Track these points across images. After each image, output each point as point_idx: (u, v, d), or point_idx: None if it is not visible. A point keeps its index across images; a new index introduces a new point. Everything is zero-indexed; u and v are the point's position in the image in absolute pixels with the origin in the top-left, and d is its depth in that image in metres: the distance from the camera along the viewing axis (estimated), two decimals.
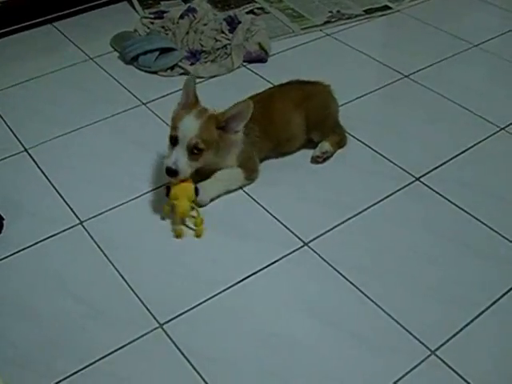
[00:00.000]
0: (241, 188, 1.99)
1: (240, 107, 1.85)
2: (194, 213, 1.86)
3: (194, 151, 1.82)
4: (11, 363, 1.51)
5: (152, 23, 2.82)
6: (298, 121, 2.07)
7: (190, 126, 1.82)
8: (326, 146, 2.07)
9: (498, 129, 2.24)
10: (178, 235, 1.84)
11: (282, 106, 2.06)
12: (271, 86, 2.32)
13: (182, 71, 2.54)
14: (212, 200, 1.93)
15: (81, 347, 1.55)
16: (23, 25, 2.85)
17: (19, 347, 1.55)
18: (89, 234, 1.84)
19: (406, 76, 2.53)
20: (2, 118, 2.32)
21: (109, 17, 2.97)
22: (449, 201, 1.94)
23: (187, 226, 1.86)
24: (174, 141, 1.84)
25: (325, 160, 2.08)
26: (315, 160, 2.08)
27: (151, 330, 1.58)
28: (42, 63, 2.63)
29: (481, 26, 2.90)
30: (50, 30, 2.87)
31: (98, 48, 2.73)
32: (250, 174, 1.99)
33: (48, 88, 2.48)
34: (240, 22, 2.71)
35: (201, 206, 1.90)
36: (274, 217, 1.89)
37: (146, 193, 1.97)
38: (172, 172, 1.81)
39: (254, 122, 1.97)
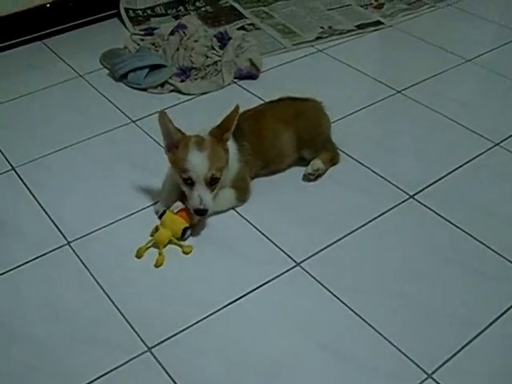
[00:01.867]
0: (232, 208, 1.96)
1: (232, 117, 1.83)
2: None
3: (212, 183, 1.80)
4: None
5: (142, 40, 2.80)
6: (289, 138, 2.05)
7: (201, 163, 1.78)
8: (317, 163, 2.04)
9: (493, 144, 2.22)
10: (158, 264, 1.78)
11: (272, 124, 2.04)
12: (262, 102, 2.30)
13: (171, 88, 2.52)
14: (199, 221, 1.90)
15: (67, 371, 1.51)
16: (13, 42, 2.84)
17: (2, 371, 1.51)
18: (76, 254, 1.81)
19: (398, 91, 2.52)
20: None
21: (99, 34, 2.96)
22: (443, 218, 1.92)
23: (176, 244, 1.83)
24: (189, 182, 1.80)
25: (317, 178, 2.05)
26: (307, 178, 2.05)
27: (139, 354, 1.54)
28: (32, 80, 2.61)
29: (473, 41, 2.89)
30: (40, 47, 2.86)
31: (88, 65, 2.71)
32: (243, 196, 1.96)
33: (37, 105, 2.46)
34: (231, 38, 2.70)
35: (191, 226, 1.87)
36: (266, 236, 1.86)
37: (136, 212, 1.94)
38: (202, 212, 1.80)
39: (246, 139, 1.95)
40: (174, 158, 1.84)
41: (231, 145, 1.91)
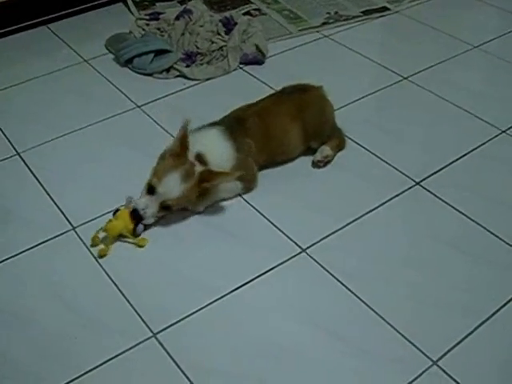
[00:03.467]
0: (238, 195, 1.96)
1: (227, 178, 1.83)
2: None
3: (164, 208, 1.81)
4: None
5: (147, 25, 2.79)
6: (296, 133, 2.03)
7: (173, 188, 1.79)
8: (326, 150, 2.04)
9: (500, 131, 2.21)
10: (101, 255, 1.76)
11: (278, 121, 2.00)
12: (268, 88, 2.29)
13: (177, 73, 2.51)
14: (207, 207, 1.90)
15: (72, 357, 1.51)
16: (17, 27, 2.82)
17: (8, 357, 1.51)
18: (81, 239, 1.80)
19: (405, 78, 2.50)
20: None
21: (104, 18, 2.94)
22: (450, 205, 1.91)
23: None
24: (151, 190, 1.80)
25: (326, 164, 2.05)
26: (316, 165, 2.04)
27: (144, 340, 1.54)
28: (36, 65, 2.59)
29: (481, 27, 2.87)
30: (45, 32, 2.84)
31: (93, 50, 2.69)
32: (248, 184, 1.95)
33: (42, 90, 2.45)
34: (236, 24, 2.68)
35: (196, 213, 1.87)
36: (272, 222, 1.85)
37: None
38: (137, 216, 1.79)
39: (250, 137, 1.94)
40: (164, 161, 1.83)
41: (223, 150, 1.89)
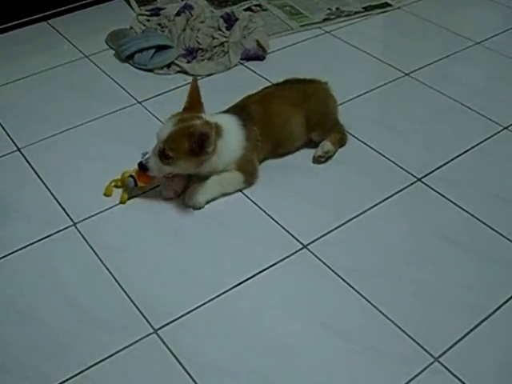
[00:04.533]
0: (239, 190, 1.95)
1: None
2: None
3: (162, 157, 1.80)
4: (0, 369, 1.47)
5: (148, 20, 2.78)
6: (298, 121, 2.04)
7: (163, 132, 1.81)
8: (327, 145, 2.03)
9: (501, 128, 2.20)
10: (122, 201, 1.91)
11: (280, 107, 2.02)
12: (269, 83, 2.28)
13: (178, 69, 2.51)
14: (208, 202, 1.89)
15: (73, 353, 1.51)
16: (18, 22, 2.82)
17: (9, 352, 1.51)
18: (82, 235, 1.80)
19: (406, 74, 2.50)
20: None
21: (104, 14, 2.93)
22: (451, 202, 1.90)
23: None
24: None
25: (327, 159, 2.04)
26: (317, 160, 2.04)
27: (145, 336, 1.54)
28: (37, 61, 2.59)
29: (483, 24, 2.86)
30: (45, 28, 2.84)
31: (94, 46, 2.69)
32: (249, 179, 1.95)
33: (42, 86, 2.45)
34: (237, 19, 2.68)
35: (196, 209, 1.87)
36: (273, 218, 1.85)
37: (142, 193, 1.93)
38: (142, 166, 1.84)
39: (255, 123, 1.95)
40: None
41: (237, 133, 1.91)
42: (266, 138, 1.98)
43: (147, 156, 1.84)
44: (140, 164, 1.84)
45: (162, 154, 1.80)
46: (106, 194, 1.91)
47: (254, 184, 1.96)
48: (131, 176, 1.88)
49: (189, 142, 1.78)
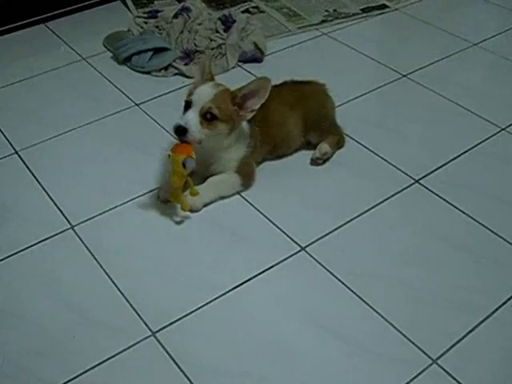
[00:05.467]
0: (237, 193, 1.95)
1: (259, 83, 1.85)
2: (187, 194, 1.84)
3: (207, 116, 1.79)
4: None
5: (146, 23, 2.78)
6: (295, 122, 2.04)
7: (206, 92, 1.82)
8: (325, 147, 2.03)
9: (499, 129, 2.20)
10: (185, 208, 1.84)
11: (278, 108, 2.02)
12: None
13: (175, 71, 2.51)
14: (206, 205, 1.89)
15: (71, 356, 1.50)
16: (15, 25, 2.82)
17: (6, 355, 1.50)
18: (80, 238, 1.80)
19: (404, 75, 2.50)
20: None
21: (102, 16, 2.93)
22: (449, 203, 1.90)
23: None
24: (187, 105, 1.82)
25: (325, 161, 2.04)
26: (315, 162, 2.04)
27: (144, 339, 1.53)
28: (34, 64, 2.59)
29: (480, 25, 2.87)
30: (43, 30, 2.84)
31: (91, 48, 2.69)
32: (247, 181, 1.95)
33: (40, 89, 2.44)
34: (235, 21, 2.68)
35: (194, 212, 1.87)
36: (271, 221, 1.85)
37: (139, 196, 1.93)
38: (181, 131, 1.76)
39: (256, 123, 1.96)
40: (194, 84, 1.90)
41: (245, 128, 1.93)
42: (265, 139, 1.99)
43: (181, 120, 1.77)
44: (178, 127, 1.76)
45: (206, 114, 1.79)
46: (184, 209, 1.84)
47: (251, 186, 1.96)
48: (188, 157, 1.75)
49: (232, 102, 1.83)
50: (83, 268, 1.72)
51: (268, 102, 2.01)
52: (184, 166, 1.74)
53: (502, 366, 1.49)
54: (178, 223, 1.85)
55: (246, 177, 1.94)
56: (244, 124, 1.92)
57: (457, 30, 2.79)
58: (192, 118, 1.78)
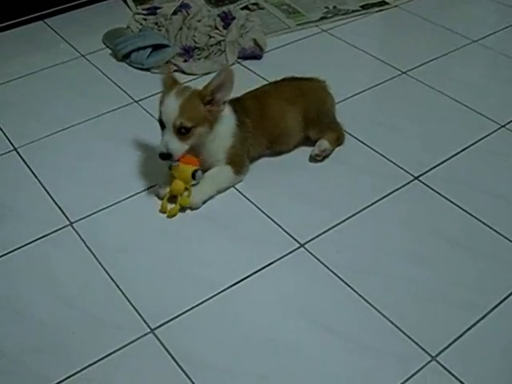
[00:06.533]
0: (233, 187, 1.95)
1: (223, 76, 1.83)
2: (186, 193, 1.86)
3: (181, 131, 1.80)
4: None
5: (145, 19, 2.78)
6: (294, 118, 2.04)
7: (171, 107, 1.80)
8: (324, 143, 2.03)
9: (499, 126, 2.20)
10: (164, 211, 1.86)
11: (276, 103, 2.03)
12: (266, 82, 2.27)
13: (175, 68, 2.50)
14: (205, 202, 1.89)
15: (70, 353, 1.50)
16: (14, 21, 2.81)
17: (6, 352, 1.50)
18: (79, 235, 1.80)
19: (403, 72, 2.49)
20: None
21: (101, 13, 2.93)
22: (448, 200, 1.90)
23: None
24: (161, 125, 1.83)
25: (324, 158, 2.04)
26: (314, 158, 2.04)
27: (142, 336, 1.53)
28: (33, 60, 2.59)
29: (480, 22, 2.86)
30: (42, 27, 2.84)
31: (90, 45, 2.69)
32: (239, 169, 1.95)
33: (39, 86, 2.44)
34: (234, 18, 2.68)
35: (194, 209, 1.87)
36: (270, 217, 1.84)
37: (138, 193, 1.93)
38: (165, 156, 1.80)
39: (248, 116, 1.96)
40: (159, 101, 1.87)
41: (230, 118, 1.92)
42: (260, 133, 1.99)
43: (162, 146, 1.80)
44: (161, 154, 1.80)
45: (180, 129, 1.79)
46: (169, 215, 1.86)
47: (244, 175, 1.97)
48: (198, 169, 1.84)
49: (202, 103, 1.82)
50: (82, 265, 1.71)
51: (266, 97, 2.03)
52: (194, 177, 1.83)
53: (500, 363, 1.49)
54: (177, 220, 1.84)
55: (237, 166, 1.94)
56: (227, 114, 1.92)
57: (456, 27, 2.79)
58: (170, 141, 1.80)
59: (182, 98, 1.80)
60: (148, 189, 1.94)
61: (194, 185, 1.86)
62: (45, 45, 2.70)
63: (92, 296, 1.63)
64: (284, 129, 2.04)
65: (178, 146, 1.80)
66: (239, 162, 1.95)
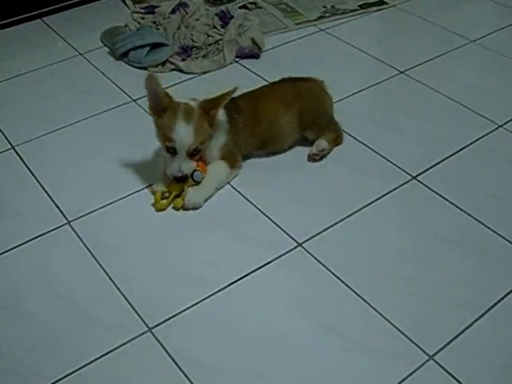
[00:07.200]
0: (231, 186, 1.95)
1: (226, 95, 1.85)
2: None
3: (194, 153, 1.83)
4: None
5: (143, 18, 2.78)
6: (289, 119, 2.03)
7: (186, 135, 1.80)
8: (322, 143, 2.03)
9: (496, 126, 2.20)
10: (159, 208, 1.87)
11: (270, 104, 2.03)
12: (264, 82, 2.28)
13: (172, 67, 2.50)
14: (206, 200, 1.89)
15: (67, 351, 1.50)
16: (12, 20, 2.81)
17: (3, 351, 1.50)
18: (76, 234, 1.79)
19: (401, 72, 2.49)
20: None
21: (99, 12, 2.93)
22: (446, 200, 1.90)
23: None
24: (172, 151, 1.82)
25: (322, 158, 2.04)
26: (312, 158, 2.04)
27: (140, 334, 1.53)
28: (31, 58, 2.59)
29: (478, 22, 2.86)
30: (40, 25, 2.83)
31: (88, 43, 2.69)
32: (233, 163, 1.96)
33: (37, 84, 2.44)
34: (232, 17, 2.67)
35: (196, 209, 1.87)
36: (268, 217, 1.84)
37: (136, 191, 1.93)
38: (180, 179, 1.84)
39: (240, 113, 1.97)
40: (160, 123, 1.84)
41: (222, 114, 1.93)
42: (251, 132, 2.00)
43: (174, 171, 1.82)
44: (177, 178, 1.83)
45: (195, 152, 1.83)
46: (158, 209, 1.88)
47: (239, 168, 1.98)
48: (196, 170, 1.86)
49: (208, 122, 1.84)
50: (79, 263, 1.71)
51: (261, 98, 2.03)
52: (192, 178, 1.85)
53: (498, 362, 1.49)
54: (175, 219, 1.84)
55: (231, 160, 1.95)
56: (220, 114, 1.92)
57: (454, 27, 2.79)
58: (184, 165, 1.83)
59: (193, 123, 1.81)
60: (146, 187, 1.94)
61: (193, 185, 1.87)
62: (43, 43, 2.70)
63: (89, 295, 1.63)
64: (277, 130, 2.03)
65: (190, 166, 1.84)
66: (232, 156, 1.96)
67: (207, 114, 1.83)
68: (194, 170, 1.85)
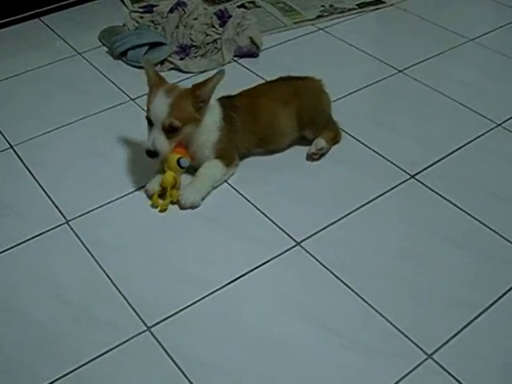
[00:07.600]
0: (229, 185, 1.95)
1: (218, 79, 1.86)
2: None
3: (170, 130, 1.81)
4: None
5: (141, 17, 2.78)
6: (287, 118, 2.03)
7: (161, 106, 1.80)
8: (321, 142, 2.03)
9: (495, 125, 2.20)
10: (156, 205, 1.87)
11: (268, 102, 2.03)
12: (262, 81, 2.28)
13: (171, 66, 2.50)
14: (203, 199, 1.89)
15: (66, 351, 1.50)
16: (10, 19, 2.81)
17: (1, 351, 1.50)
18: (75, 233, 1.79)
19: (400, 71, 2.49)
20: None
21: (97, 11, 2.93)
22: (444, 199, 1.90)
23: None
24: (149, 122, 1.84)
25: (320, 157, 2.04)
26: (311, 157, 2.04)
27: (139, 333, 1.53)
28: (29, 58, 2.58)
29: (476, 20, 2.86)
30: (38, 25, 2.83)
31: (87, 43, 2.68)
32: (229, 162, 1.95)
33: (35, 83, 2.44)
34: (231, 16, 2.67)
35: (195, 208, 1.87)
36: (266, 215, 1.84)
37: (134, 191, 1.93)
38: (152, 153, 1.82)
39: (237, 112, 1.97)
40: (147, 97, 1.88)
41: (216, 111, 1.94)
42: (249, 130, 2.00)
43: (149, 143, 1.81)
44: (148, 152, 1.81)
45: (170, 128, 1.81)
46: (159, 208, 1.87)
47: (235, 166, 1.98)
48: (182, 156, 1.85)
49: (192, 102, 1.84)
50: (78, 263, 1.71)
51: (259, 96, 2.03)
52: (179, 164, 1.83)
53: (496, 361, 1.49)
54: (173, 218, 1.84)
55: (226, 159, 1.94)
56: (214, 109, 1.93)
57: (453, 26, 2.79)
58: (157, 139, 1.81)
59: (172, 97, 1.81)
60: (144, 187, 1.93)
61: (183, 173, 1.89)
62: (41, 43, 2.70)
63: (88, 294, 1.63)
64: (276, 128, 2.03)
65: (165, 144, 1.82)
66: (228, 155, 1.95)
67: (192, 94, 1.84)
68: (180, 157, 1.84)
